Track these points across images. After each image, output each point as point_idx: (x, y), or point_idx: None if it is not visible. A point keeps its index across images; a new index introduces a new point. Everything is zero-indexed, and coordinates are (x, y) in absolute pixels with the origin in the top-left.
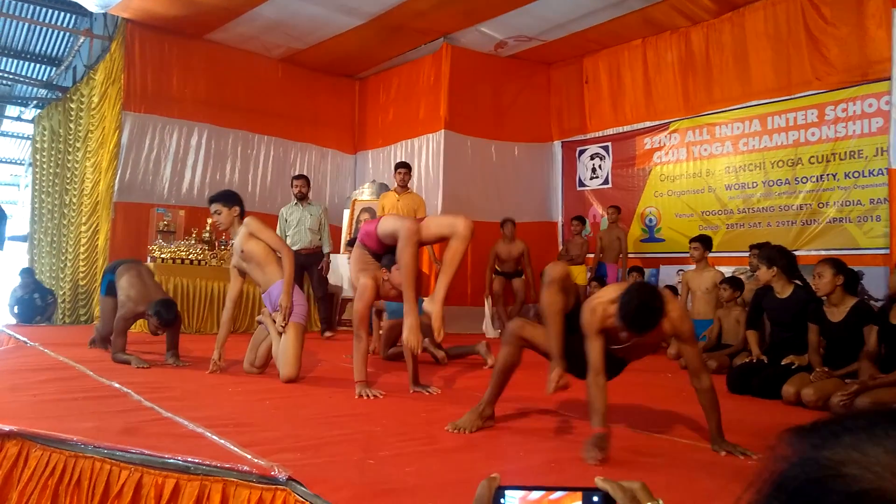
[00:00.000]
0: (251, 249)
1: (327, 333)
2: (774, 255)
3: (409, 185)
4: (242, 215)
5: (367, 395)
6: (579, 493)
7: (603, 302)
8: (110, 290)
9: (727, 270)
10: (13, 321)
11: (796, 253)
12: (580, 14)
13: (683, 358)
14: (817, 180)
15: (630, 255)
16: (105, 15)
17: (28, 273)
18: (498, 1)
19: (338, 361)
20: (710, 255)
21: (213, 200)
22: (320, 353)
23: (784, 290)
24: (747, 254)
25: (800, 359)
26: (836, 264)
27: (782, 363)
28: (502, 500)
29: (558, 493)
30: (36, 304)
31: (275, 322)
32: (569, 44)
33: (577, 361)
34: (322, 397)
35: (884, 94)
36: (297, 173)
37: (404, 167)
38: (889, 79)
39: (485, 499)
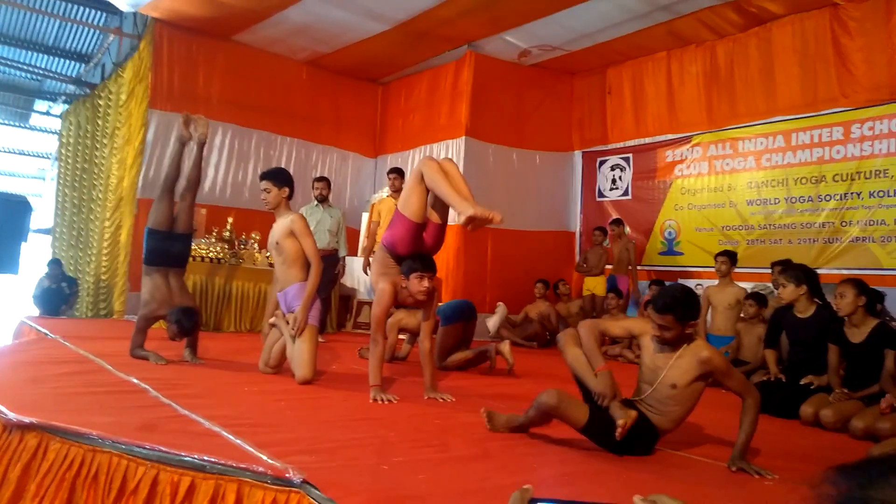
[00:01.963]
0: (287, 246)
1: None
2: (802, 274)
3: (402, 189)
4: (291, 197)
5: (382, 400)
6: None
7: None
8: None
9: (746, 287)
10: (36, 312)
11: (817, 271)
12: (605, 25)
13: (728, 387)
14: (841, 198)
15: (648, 268)
16: (135, 14)
17: (56, 264)
18: (523, 10)
19: (352, 363)
20: None
21: (264, 177)
22: (335, 355)
23: (806, 310)
24: (767, 270)
25: (819, 379)
26: (859, 285)
27: (801, 383)
28: None
29: None
30: (63, 293)
31: (287, 324)
32: (593, 54)
33: (607, 433)
34: (337, 400)
35: None
36: (318, 175)
37: (395, 172)
38: None
39: None
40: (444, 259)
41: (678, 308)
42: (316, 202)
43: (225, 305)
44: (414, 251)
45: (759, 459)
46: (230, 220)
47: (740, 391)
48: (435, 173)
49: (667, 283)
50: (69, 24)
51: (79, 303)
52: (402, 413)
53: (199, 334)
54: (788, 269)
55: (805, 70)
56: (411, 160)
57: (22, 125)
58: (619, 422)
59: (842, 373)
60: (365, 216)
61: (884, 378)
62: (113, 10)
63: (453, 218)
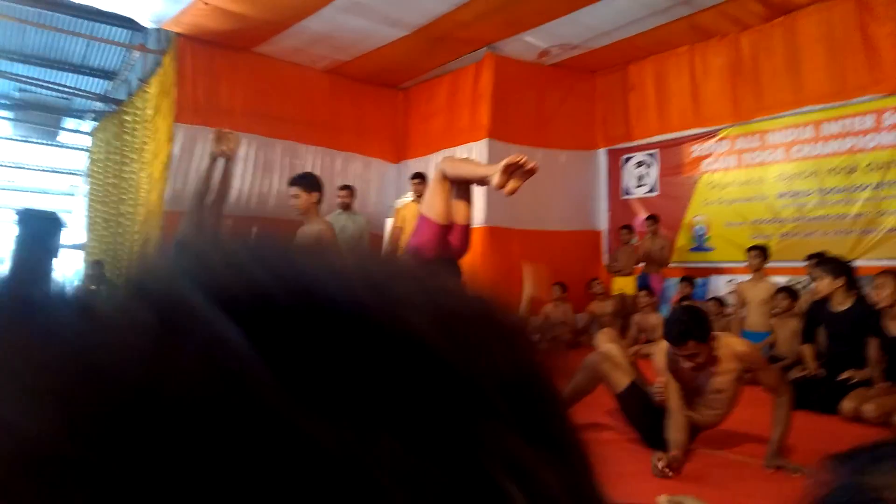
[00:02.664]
0: None
1: None
2: (839, 267)
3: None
4: (321, 202)
5: None
6: None
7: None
8: None
9: (780, 281)
10: None
11: (853, 264)
12: (625, 22)
13: (762, 382)
14: (875, 188)
15: (678, 265)
16: (158, 30)
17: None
18: (541, 10)
19: None
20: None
21: (293, 183)
22: None
23: (843, 303)
24: (801, 264)
25: (859, 373)
26: None
27: (840, 378)
28: None
29: None
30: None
31: None
32: (614, 51)
33: (642, 406)
34: None
35: None
36: (342, 183)
37: (419, 177)
38: None
39: None
40: (471, 262)
41: (693, 331)
42: (339, 210)
43: None
44: (441, 255)
45: (798, 456)
46: (255, 229)
47: (775, 386)
48: (456, 160)
49: (666, 313)
50: (95, 42)
51: None
52: None
53: None
54: (824, 261)
55: (833, 58)
56: (434, 164)
57: (52, 143)
58: (659, 387)
59: (883, 365)
60: (389, 222)
61: None
62: (137, 27)
63: (479, 220)
